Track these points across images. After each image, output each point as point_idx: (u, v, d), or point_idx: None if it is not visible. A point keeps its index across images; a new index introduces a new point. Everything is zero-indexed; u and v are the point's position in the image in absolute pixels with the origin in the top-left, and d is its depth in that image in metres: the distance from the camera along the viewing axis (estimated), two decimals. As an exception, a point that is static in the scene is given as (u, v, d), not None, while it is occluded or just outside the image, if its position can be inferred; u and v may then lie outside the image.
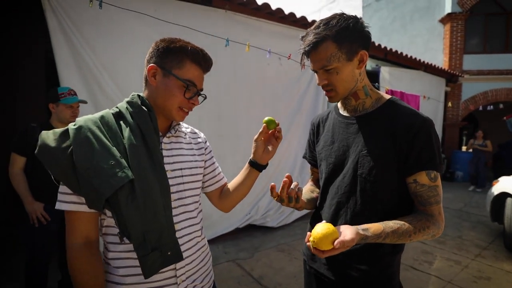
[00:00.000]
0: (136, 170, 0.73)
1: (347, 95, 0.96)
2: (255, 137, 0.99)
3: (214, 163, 1.07)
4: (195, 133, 1.04)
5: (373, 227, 0.80)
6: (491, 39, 8.54)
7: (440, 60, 8.72)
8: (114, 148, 0.74)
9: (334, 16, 0.88)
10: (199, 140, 1.03)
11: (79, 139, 0.72)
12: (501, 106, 7.55)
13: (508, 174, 3.96)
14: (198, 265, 0.91)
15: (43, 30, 2.34)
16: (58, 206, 0.75)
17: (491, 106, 7.38)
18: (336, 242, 0.72)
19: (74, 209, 0.74)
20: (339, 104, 1.09)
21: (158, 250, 0.74)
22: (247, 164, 1.04)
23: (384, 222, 0.83)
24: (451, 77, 7.76)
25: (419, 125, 0.85)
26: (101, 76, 2.49)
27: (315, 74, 0.96)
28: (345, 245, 0.72)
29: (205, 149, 1.04)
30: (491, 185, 3.92)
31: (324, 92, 0.96)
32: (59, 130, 0.74)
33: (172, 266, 0.81)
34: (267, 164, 1.03)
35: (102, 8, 2.33)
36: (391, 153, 0.88)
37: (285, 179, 0.89)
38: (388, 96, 0.98)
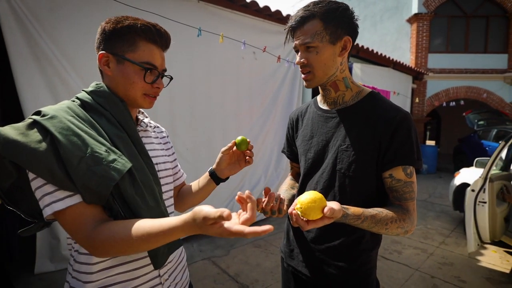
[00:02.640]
0: (130, 158, 0.68)
1: (325, 82, 0.93)
2: (223, 148, 0.94)
3: (175, 159, 1.03)
4: (158, 127, 0.99)
5: (353, 208, 0.79)
6: (453, 39, 9.10)
7: (408, 58, 9.16)
8: (100, 137, 0.66)
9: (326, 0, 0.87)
10: (164, 134, 0.99)
11: (61, 129, 0.61)
12: (462, 102, 8.09)
13: (468, 166, 4.25)
14: (177, 261, 0.87)
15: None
16: (50, 210, 0.60)
17: (453, 103, 7.87)
18: (326, 209, 0.69)
19: (74, 201, 0.61)
20: (319, 98, 1.07)
21: None
22: (207, 173, 0.99)
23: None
24: (417, 75, 8.17)
25: (400, 120, 0.85)
26: (62, 68, 2.29)
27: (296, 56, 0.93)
28: (334, 214, 0.70)
29: (169, 144, 1.00)
30: (453, 177, 4.18)
31: (302, 76, 0.94)
32: (20, 124, 0.62)
33: None
34: (227, 178, 0.98)
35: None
36: (370, 147, 0.86)
37: (265, 191, 0.84)
38: (368, 90, 0.96)
